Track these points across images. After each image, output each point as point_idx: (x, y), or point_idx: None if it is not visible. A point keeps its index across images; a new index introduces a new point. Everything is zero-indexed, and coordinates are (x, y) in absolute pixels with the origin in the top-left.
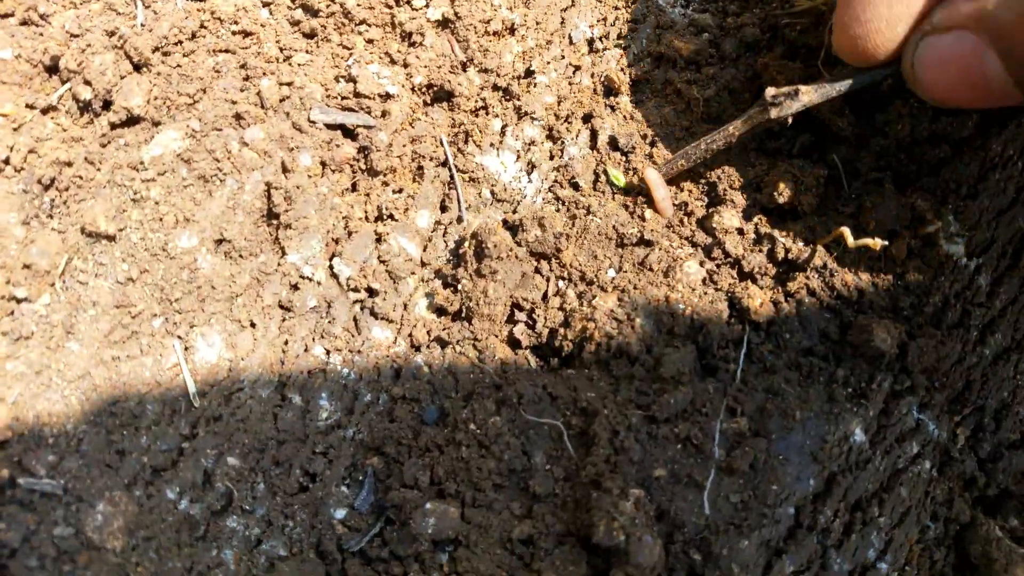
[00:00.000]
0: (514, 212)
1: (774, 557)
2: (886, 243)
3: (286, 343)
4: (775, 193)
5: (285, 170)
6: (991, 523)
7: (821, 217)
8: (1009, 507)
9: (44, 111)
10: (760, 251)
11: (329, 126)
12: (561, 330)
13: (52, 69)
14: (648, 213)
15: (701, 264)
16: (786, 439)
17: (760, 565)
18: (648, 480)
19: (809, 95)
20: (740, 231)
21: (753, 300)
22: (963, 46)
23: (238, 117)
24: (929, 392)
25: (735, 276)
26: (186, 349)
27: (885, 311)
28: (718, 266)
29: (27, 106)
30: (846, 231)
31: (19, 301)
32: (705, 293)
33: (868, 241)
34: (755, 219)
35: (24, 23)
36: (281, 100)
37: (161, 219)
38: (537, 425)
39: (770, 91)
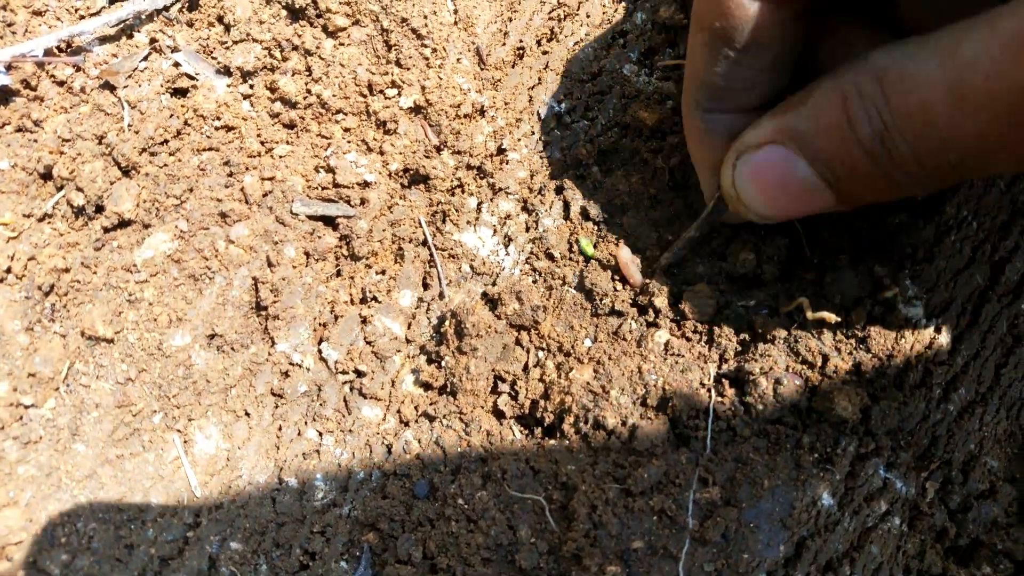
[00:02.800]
0: (493, 285)
1: None
2: (839, 319)
3: (280, 429)
4: (737, 263)
5: (270, 264)
6: (962, 573)
7: (785, 284)
8: (981, 556)
9: (41, 219)
10: (727, 320)
11: (311, 217)
12: (542, 402)
13: (46, 176)
14: (619, 285)
15: (671, 333)
16: (756, 507)
17: None
18: (626, 552)
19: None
20: (707, 300)
21: (720, 369)
22: (774, 157)
23: (223, 215)
24: (895, 451)
25: (703, 345)
26: (185, 442)
27: (849, 376)
28: (686, 337)
29: (24, 215)
30: (805, 302)
31: (27, 407)
32: (676, 363)
33: (825, 315)
34: (720, 287)
35: (19, 130)
36: (264, 195)
37: (155, 319)
38: (521, 500)
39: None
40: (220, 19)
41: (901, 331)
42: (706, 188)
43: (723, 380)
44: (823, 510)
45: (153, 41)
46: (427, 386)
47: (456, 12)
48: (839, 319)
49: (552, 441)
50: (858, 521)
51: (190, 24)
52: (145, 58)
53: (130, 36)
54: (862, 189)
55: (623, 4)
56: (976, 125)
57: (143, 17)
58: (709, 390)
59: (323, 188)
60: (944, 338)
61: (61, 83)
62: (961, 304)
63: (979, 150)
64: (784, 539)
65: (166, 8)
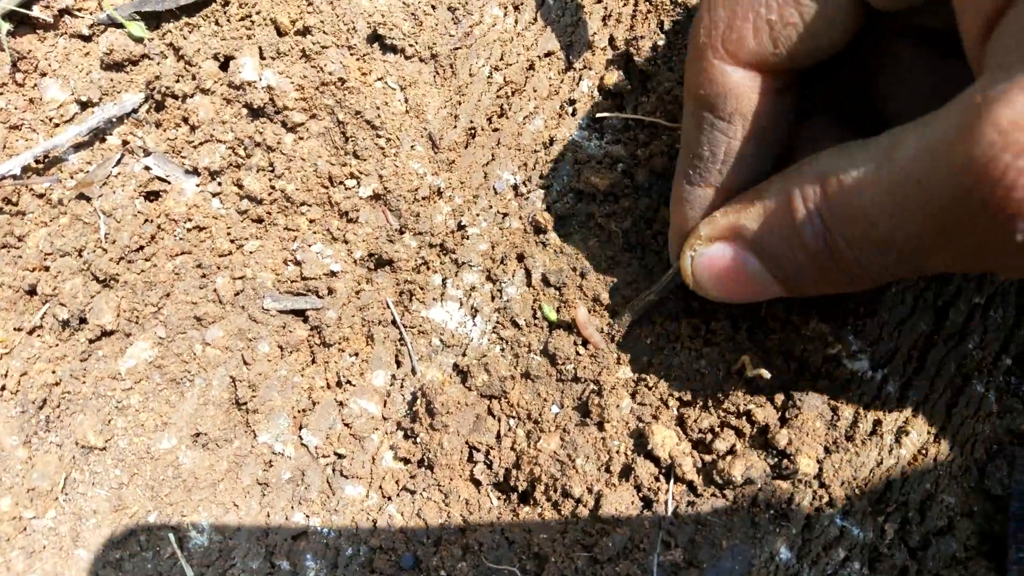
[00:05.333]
0: (464, 355)
1: None
2: (768, 375)
3: (268, 515)
4: (683, 331)
5: (246, 362)
6: None
7: (733, 342)
8: None
9: (30, 332)
10: (680, 380)
11: (282, 312)
12: (514, 471)
13: (31, 292)
14: (581, 349)
15: (632, 398)
16: (716, 566)
17: None
18: None
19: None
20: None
21: (674, 433)
22: (726, 253)
23: (198, 319)
24: (850, 500)
25: (662, 407)
26: (180, 539)
27: (804, 431)
28: (645, 402)
29: (15, 329)
30: (746, 360)
31: (29, 519)
32: (638, 426)
33: (761, 371)
34: (674, 346)
35: (4, 247)
36: (236, 294)
37: (143, 424)
38: (497, 571)
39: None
40: (185, 120)
41: (847, 384)
42: (672, 253)
43: (675, 446)
44: (781, 564)
45: (125, 143)
46: (406, 460)
47: (407, 101)
48: (768, 375)
49: (526, 508)
50: (818, 571)
51: (158, 125)
52: (118, 162)
53: (103, 140)
54: (808, 285)
55: (568, 75)
56: (911, 228)
57: (114, 120)
58: (670, 455)
59: (292, 281)
60: (892, 387)
61: (40, 195)
62: (907, 352)
63: (915, 252)
64: None
65: (135, 110)
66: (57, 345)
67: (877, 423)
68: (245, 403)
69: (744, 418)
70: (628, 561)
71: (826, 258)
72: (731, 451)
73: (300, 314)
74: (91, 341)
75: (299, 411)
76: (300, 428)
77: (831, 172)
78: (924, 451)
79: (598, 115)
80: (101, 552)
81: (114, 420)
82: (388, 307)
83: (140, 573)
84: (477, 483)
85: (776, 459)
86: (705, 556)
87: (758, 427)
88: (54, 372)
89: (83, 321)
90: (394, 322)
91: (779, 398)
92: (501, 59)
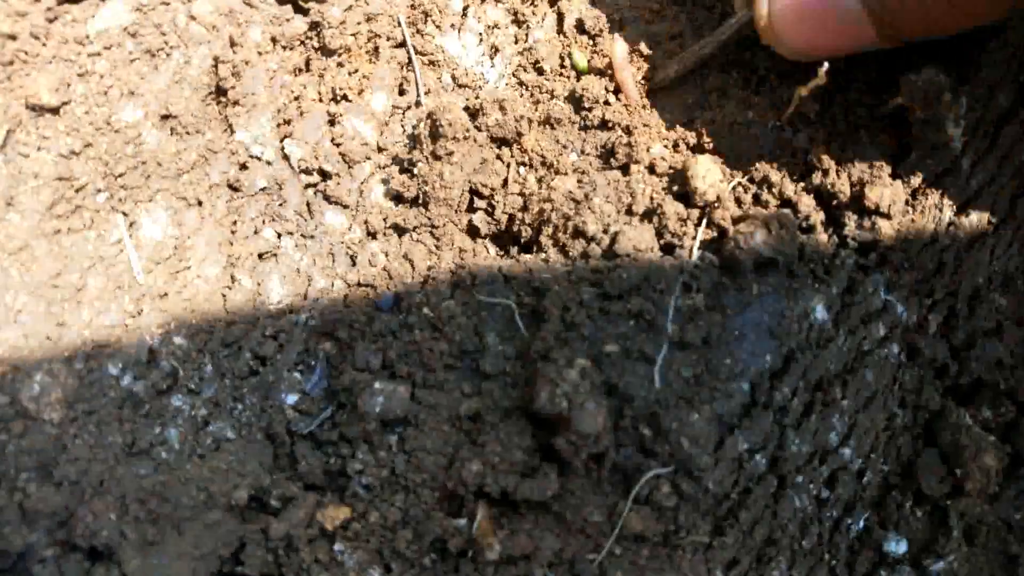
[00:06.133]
0: (476, 98)
1: (727, 433)
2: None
3: (235, 224)
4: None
5: (233, 44)
6: (962, 412)
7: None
8: (982, 397)
9: None
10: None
11: (280, 1)
12: (519, 215)
13: None
14: (612, 98)
15: (665, 146)
16: (743, 315)
17: (712, 441)
18: (599, 356)
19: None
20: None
21: (719, 169)
22: None
23: None
24: (898, 271)
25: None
26: (131, 225)
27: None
28: (680, 145)
29: None
30: (801, 90)
31: None
32: (668, 170)
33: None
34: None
35: None
36: None
37: (106, 93)
38: (490, 305)
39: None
40: None
41: (929, 149)
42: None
43: (714, 186)
44: (816, 324)
45: None
46: (398, 198)
47: None
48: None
49: (528, 256)
50: (853, 342)
51: None
52: None
53: None
54: (910, 20)
55: None
56: None
57: None
58: (710, 188)
59: None
60: (967, 160)
61: None
62: (985, 126)
63: None
64: (772, 349)
65: None
66: (19, 4)
67: (942, 193)
68: (226, 91)
69: (798, 160)
70: (641, 298)
71: None
72: (778, 196)
73: (301, 9)
74: (60, 2)
75: (284, 120)
76: (283, 138)
77: None
78: (982, 239)
79: None
80: (37, 221)
81: (74, 85)
82: (399, 24)
83: (79, 252)
84: (475, 232)
85: (829, 205)
86: (731, 302)
87: (812, 172)
88: (15, 23)
89: None
90: (403, 44)
91: (836, 148)
92: None
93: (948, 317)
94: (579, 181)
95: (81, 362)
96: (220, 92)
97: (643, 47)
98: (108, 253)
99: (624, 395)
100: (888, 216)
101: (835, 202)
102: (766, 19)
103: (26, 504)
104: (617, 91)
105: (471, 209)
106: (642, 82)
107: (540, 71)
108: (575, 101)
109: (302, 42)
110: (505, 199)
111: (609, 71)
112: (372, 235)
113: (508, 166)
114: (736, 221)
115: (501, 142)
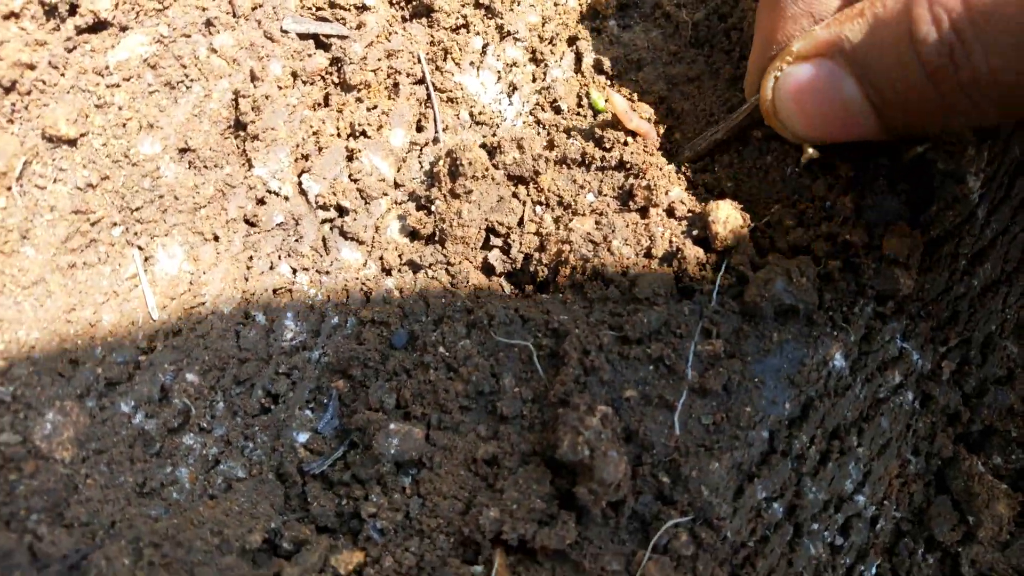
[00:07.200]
0: (493, 135)
1: (746, 481)
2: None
3: (251, 259)
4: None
5: (254, 78)
6: (974, 459)
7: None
8: (993, 444)
9: (6, 17)
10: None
11: (302, 36)
12: (536, 254)
13: None
14: (630, 139)
15: (684, 189)
16: (762, 362)
17: (731, 489)
18: (618, 401)
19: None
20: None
21: (740, 215)
22: (821, 73)
23: (208, 23)
24: (914, 320)
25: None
26: (146, 259)
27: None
28: (699, 189)
29: None
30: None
31: None
32: (688, 214)
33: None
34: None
35: None
36: (253, 8)
37: (124, 125)
38: (507, 347)
39: None
40: None
41: (954, 202)
42: (750, 82)
43: (735, 232)
44: (834, 372)
45: None
46: (414, 235)
47: None
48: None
49: (545, 296)
50: (869, 390)
51: None
52: None
53: None
54: (914, 116)
55: None
56: None
57: None
58: (731, 233)
59: (318, 8)
60: (982, 210)
61: None
62: (1000, 176)
63: None
64: (791, 397)
65: None
66: (38, 32)
67: (958, 242)
68: (245, 125)
69: (817, 207)
70: (661, 343)
71: (948, 72)
72: (797, 242)
73: (322, 44)
74: (80, 31)
75: (303, 154)
76: (301, 173)
77: None
78: (995, 288)
79: None
80: (52, 255)
81: (92, 116)
82: (419, 61)
83: (93, 287)
84: (490, 269)
85: (845, 253)
86: (751, 348)
87: (831, 218)
88: (34, 52)
89: (73, 10)
90: (422, 80)
91: (856, 195)
92: None
93: (961, 364)
94: (597, 223)
95: (93, 399)
96: (239, 126)
97: (659, 89)
98: (122, 288)
99: (644, 442)
100: (906, 266)
101: (853, 250)
102: (770, 105)
103: (37, 547)
104: (634, 134)
105: (487, 247)
106: (656, 119)
107: (557, 110)
108: (593, 140)
109: (322, 77)
110: (521, 238)
111: (615, 117)
112: (387, 271)
113: (524, 204)
114: (756, 267)
115: (518, 180)
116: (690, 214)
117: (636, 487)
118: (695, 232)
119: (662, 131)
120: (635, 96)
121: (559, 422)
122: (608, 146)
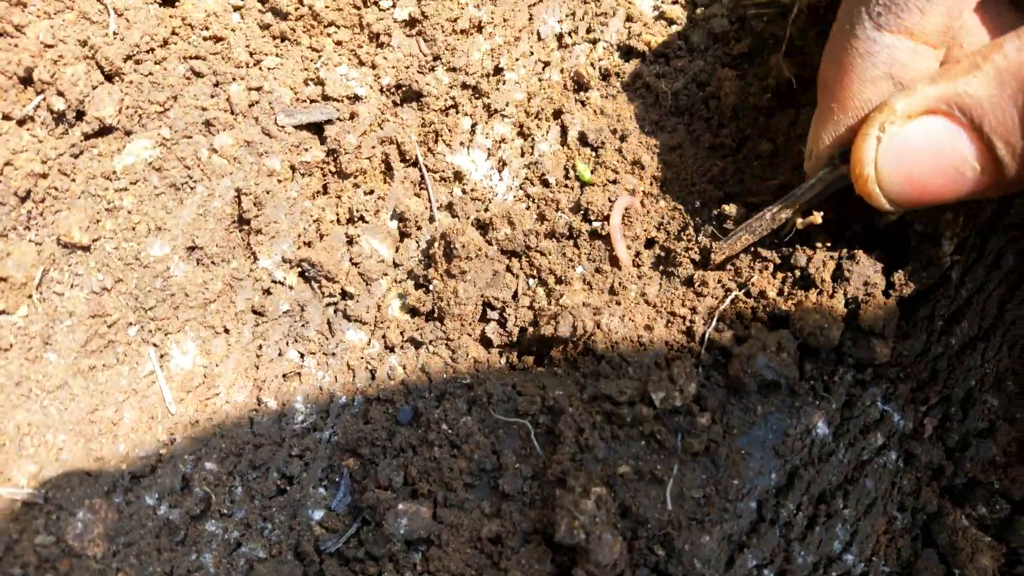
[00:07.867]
0: (486, 211)
1: (736, 551)
2: (820, 221)
3: (260, 348)
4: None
5: (254, 175)
6: (958, 512)
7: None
8: (977, 495)
9: (20, 122)
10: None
11: (297, 127)
12: (530, 329)
13: (26, 80)
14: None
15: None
16: (748, 434)
17: (722, 560)
18: (612, 477)
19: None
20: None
21: (714, 298)
22: (936, 129)
23: (208, 124)
24: (893, 383)
25: (698, 267)
26: (161, 356)
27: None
28: (681, 266)
29: (3, 117)
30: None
31: None
32: (670, 288)
33: (813, 217)
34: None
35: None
36: (250, 105)
37: (134, 228)
38: (506, 424)
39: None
40: None
41: (928, 265)
42: (818, 151)
43: (713, 308)
44: (818, 439)
45: None
46: (414, 311)
47: None
48: (820, 221)
49: (541, 369)
50: (853, 453)
51: None
52: None
53: None
54: None
55: None
56: None
57: None
58: (706, 321)
59: (311, 101)
60: (955, 272)
61: None
62: (973, 236)
63: None
64: (776, 467)
65: None
66: (48, 139)
67: (933, 306)
68: (248, 220)
69: (795, 276)
70: (652, 420)
71: None
72: (775, 311)
73: (317, 132)
74: (87, 136)
75: (305, 242)
76: (304, 262)
77: None
78: (973, 345)
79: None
80: (73, 359)
81: (103, 221)
82: (412, 145)
83: (113, 387)
84: (488, 342)
85: (825, 320)
86: (737, 421)
87: (809, 288)
88: (44, 163)
89: (80, 116)
90: (416, 163)
91: (833, 265)
92: None
93: (943, 420)
94: (585, 302)
95: (120, 495)
96: (243, 221)
97: (643, 159)
98: (141, 385)
99: (638, 517)
100: (882, 336)
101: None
102: (870, 166)
103: None
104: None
105: (484, 319)
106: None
107: (546, 183)
108: (580, 213)
109: (320, 167)
110: (516, 312)
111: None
112: (390, 349)
113: (518, 278)
114: (739, 341)
115: (511, 254)
116: (672, 289)
117: (633, 560)
118: (680, 304)
119: (648, 204)
120: (620, 169)
121: (556, 504)
122: (594, 218)
